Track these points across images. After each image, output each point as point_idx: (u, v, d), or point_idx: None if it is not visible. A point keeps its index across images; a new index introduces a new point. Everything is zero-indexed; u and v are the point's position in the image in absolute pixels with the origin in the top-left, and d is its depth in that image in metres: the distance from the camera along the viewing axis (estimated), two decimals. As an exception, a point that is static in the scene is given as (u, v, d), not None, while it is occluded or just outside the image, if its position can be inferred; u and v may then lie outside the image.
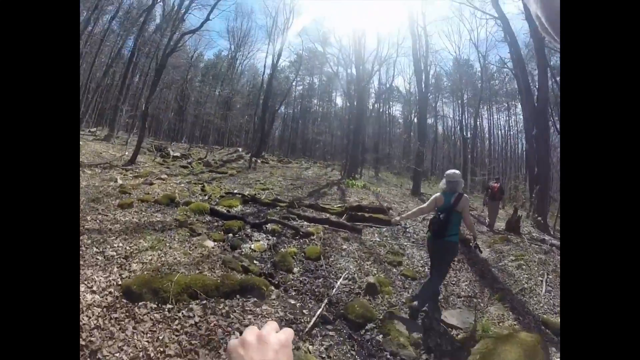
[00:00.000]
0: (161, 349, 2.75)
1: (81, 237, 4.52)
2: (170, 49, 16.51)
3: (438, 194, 4.27)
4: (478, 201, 14.28)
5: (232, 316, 3.26)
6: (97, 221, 5.33)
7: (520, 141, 34.42)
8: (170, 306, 3.22)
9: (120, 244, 4.51)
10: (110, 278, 3.63)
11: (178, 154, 18.45)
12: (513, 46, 15.35)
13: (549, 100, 13.96)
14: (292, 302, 3.95)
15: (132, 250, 4.37)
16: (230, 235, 5.71)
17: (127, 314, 3.09)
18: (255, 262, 4.81)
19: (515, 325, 4.23)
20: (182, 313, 3.17)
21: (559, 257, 6.82)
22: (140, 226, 5.45)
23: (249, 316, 3.36)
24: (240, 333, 2.18)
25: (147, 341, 2.82)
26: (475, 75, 35.00)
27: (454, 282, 5.17)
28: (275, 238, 5.82)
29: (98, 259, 4.07)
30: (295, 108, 45.30)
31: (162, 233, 5.18)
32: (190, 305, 3.28)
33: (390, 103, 40.86)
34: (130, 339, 2.81)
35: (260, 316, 3.42)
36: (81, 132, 17.56)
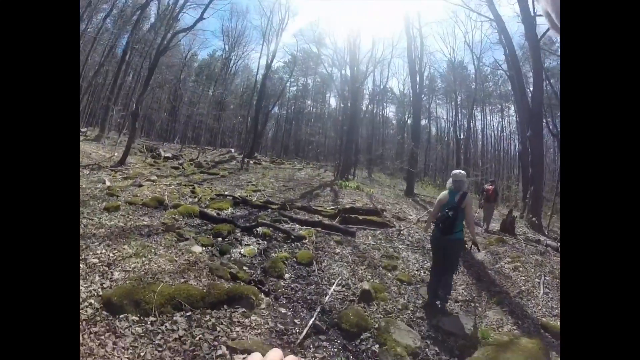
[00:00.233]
0: (142, 366, 2.57)
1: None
2: (163, 48, 16.24)
3: (443, 193, 4.46)
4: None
5: (218, 329, 3.07)
6: (82, 225, 5.10)
7: (513, 142, 34.74)
8: (153, 319, 3.01)
9: (104, 250, 4.29)
10: (91, 288, 3.41)
11: (169, 155, 18.14)
12: (509, 47, 15.36)
13: (544, 102, 13.99)
14: (283, 311, 3.78)
15: (115, 257, 4.15)
16: (220, 239, 5.54)
17: (107, 327, 2.89)
18: (244, 268, 4.63)
19: (514, 330, 4.13)
20: (166, 326, 2.96)
21: (556, 258, 6.77)
22: (125, 231, 5.23)
23: (237, 328, 3.17)
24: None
25: (128, 357, 2.62)
26: (469, 77, 35.23)
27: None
28: (266, 242, 5.65)
29: (80, 267, 3.86)
30: (289, 109, 45.10)
31: (148, 238, 4.97)
32: (175, 318, 3.07)
33: (384, 104, 40.94)
34: (110, 356, 2.61)
35: (249, 328, 3.24)
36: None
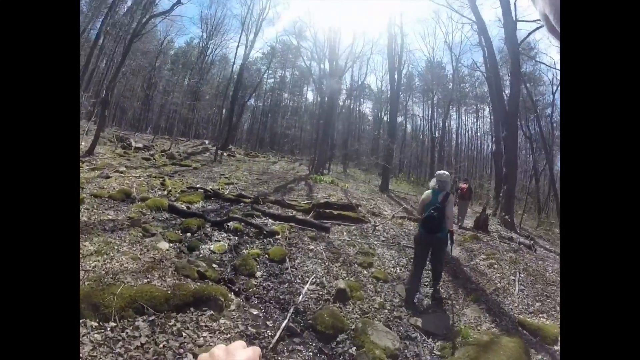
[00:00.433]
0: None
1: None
2: (138, 32, 15.50)
3: (426, 193, 4.64)
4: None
5: (184, 334, 2.83)
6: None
7: (487, 142, 35.61)
8: (113, 324, 2.74)
9: (61, 247, 3.96)
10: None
11: (141, 145, 17.39)
12: (488, 50, 15.58)
13: (519, 104, 14.31)
14: (255, 312, 3.58)
15: (73, 254, 3.84)
16: (189, 234, 5.27)
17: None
18: (213, 266, 4.38)
19: (493, 328, 4.10)
20: (127, 332, 2.69)
21: (529, 255, 6.88)
22: (88, 226, 4.87)
23: (205, 333, 2.94)
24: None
25: (83, 368, 2.37)
26: (447, 77, 35.77)
27: (426, 284, 4.98)
28: (237, 238, 5.42)
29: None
30: (266, 101, 44.42)
31: (112, 234, 4.63)
32: (136, 323, 2.80)
33: (362, 100, 41.01)
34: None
35: (217, 332, 3.02)
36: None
